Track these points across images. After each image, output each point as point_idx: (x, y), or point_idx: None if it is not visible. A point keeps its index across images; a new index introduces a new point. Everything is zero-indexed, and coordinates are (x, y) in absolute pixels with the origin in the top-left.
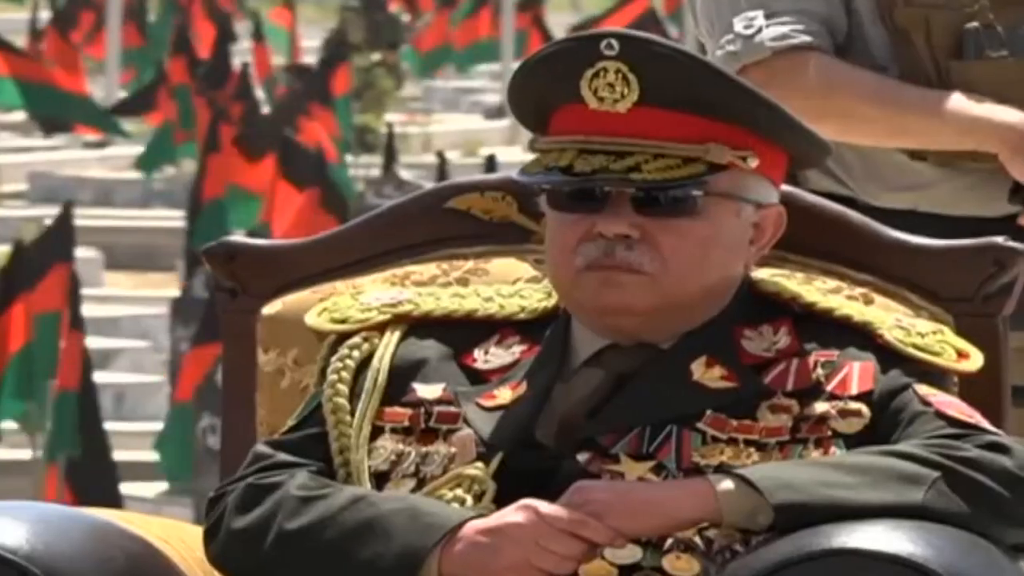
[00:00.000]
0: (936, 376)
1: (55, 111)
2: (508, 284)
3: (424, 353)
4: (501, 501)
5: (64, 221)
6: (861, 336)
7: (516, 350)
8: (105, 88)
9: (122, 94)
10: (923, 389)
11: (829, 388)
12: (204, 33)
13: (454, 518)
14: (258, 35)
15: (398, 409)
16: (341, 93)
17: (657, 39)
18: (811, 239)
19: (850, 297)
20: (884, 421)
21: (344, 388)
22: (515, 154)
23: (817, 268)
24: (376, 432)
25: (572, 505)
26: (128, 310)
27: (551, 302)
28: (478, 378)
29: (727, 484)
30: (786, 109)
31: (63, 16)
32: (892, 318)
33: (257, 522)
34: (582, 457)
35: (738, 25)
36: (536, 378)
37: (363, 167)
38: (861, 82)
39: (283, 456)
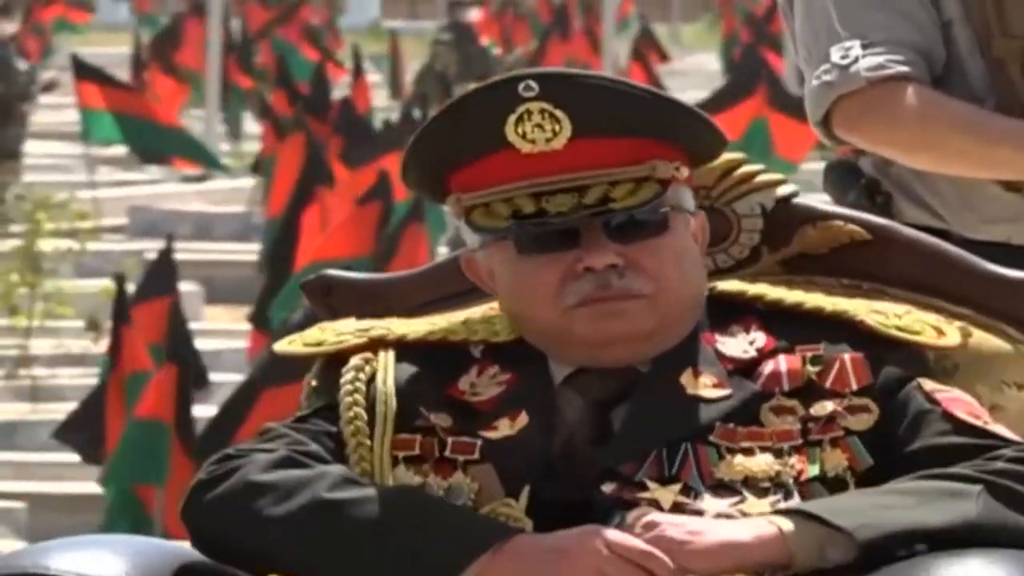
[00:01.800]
0: (920, 358)
1: (153, 145)
2: (476, 315)
3: (418, 378)
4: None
5: (165, 255)
6: (837, 326)
7: (500, 379)
8: (205, 122)
9: (220, 128)
10: (928, 384)
11: (827, 385)
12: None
13: (511, 527)
14: (358, 68)
15: (407, 436)
16: None
17: (573, 71)
18: (908, 272)
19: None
20: (892, 415)
21: (362, 412)
22: None
23: (914, 301)
24: (392, 461)
25: (642, 536)
26: (228, 344)
27: (518, 330)
28: (470, 410)
29: (790, 524)
30: (697, 109)
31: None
32: (863, 304)
33: (290, 482)
34: (607, 488)
35: (835, 55)
36: (532, 409)
37: None
38: (955, 113)
39: (314, 446)
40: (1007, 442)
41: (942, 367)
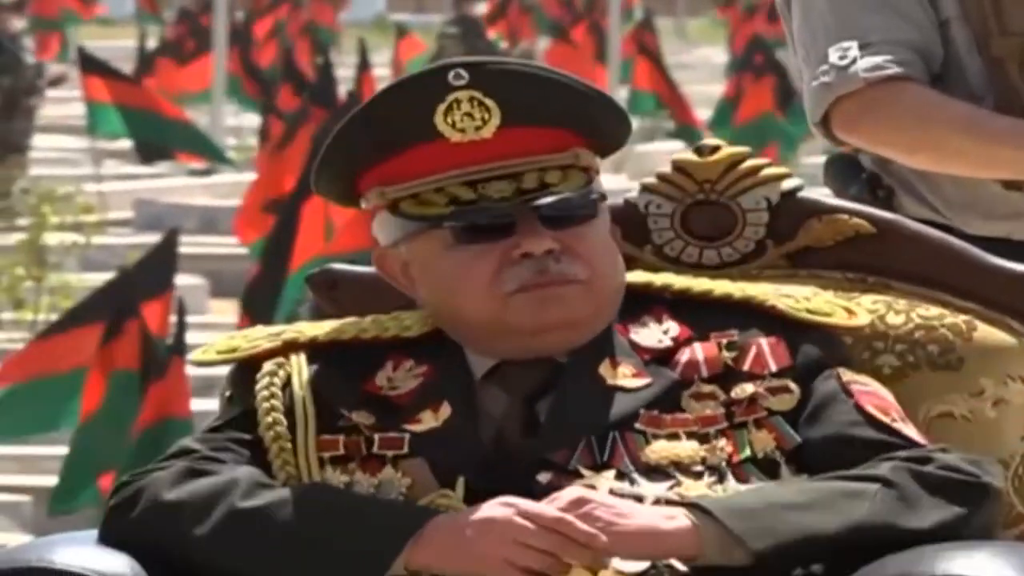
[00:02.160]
0: (835, 340)
1: (158, 138)
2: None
3: (333, 379)
4: None
5: (167, 248)
6: (748, 312)
7: (416, 372)
8: (210, 115)
9: (229, 122)
10: (847, 375)
11: (745, 368)
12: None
13: (427, 510)
14: (364, 63)
15: (330, 437)
16: None
17: (502, 59)
18: (914, 266)
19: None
20: (808, 397)
21: (281, 417)
22: (620, 182)
23: (920, 295)
24: (319, 463)
25: (569, 512)
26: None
27: (430, 324)
28: (388, 404)
29: (701, 520)
30: (614, 99)
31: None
32: (771, 288)
33: (202, 495)
34: (543, 477)
35: (833, 56)
36: (453, 400)
37: None
38: (954, 114)
39: (220, 454)
40: (909, 442)
41: (946, 361)
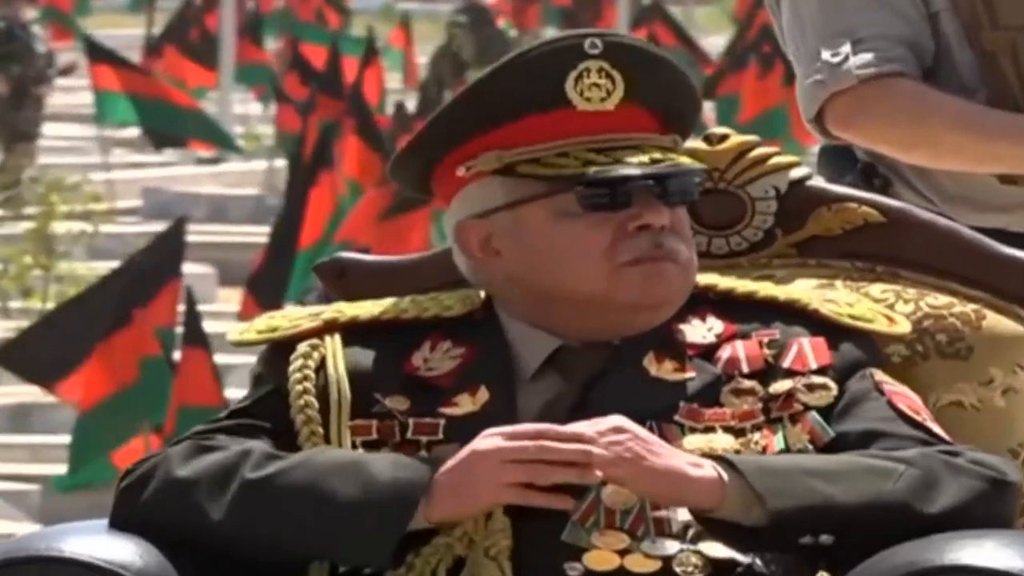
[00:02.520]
0: (872, 345)
1: (168, 126)
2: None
3: (370, 360)
4: (512, 511)
5: (175, 236)
6: (791, 314)
7: (455, 354)
8: (219, 103)
9: (237, 110)
10: (878, 375)
11: (786, 366)
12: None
13: (428, 462)
14: (371, 53)
15: (363, 422)
16: None
17: (628, 36)
18: (923, 255)
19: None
20: (844, 395)
21: (313, 400)
22: None
23: (929, 284)
24: (351, 446)
25: (604, 436)
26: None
27: (470, 304)
28: (426, 386)
29: (728, 475)
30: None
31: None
32: (815, 293)
33: (212, 472)
34: None
35: (825, 53)
36: (493, 383)
37: None
38: (948, 109)
39: (232, 437)
40: (939, 439)
41: (955, 350)
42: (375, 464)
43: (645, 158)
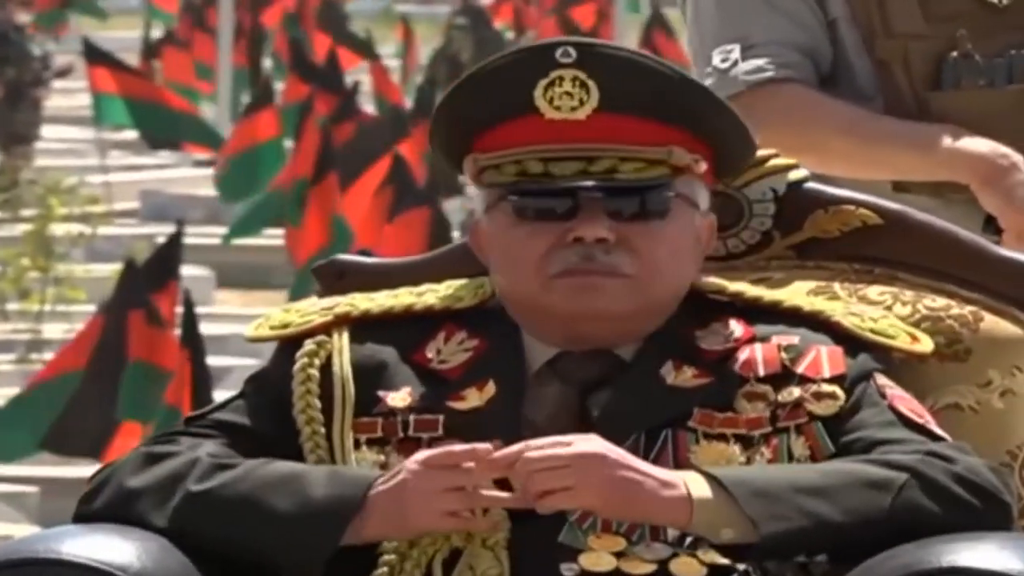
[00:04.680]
0: (887, 360)
1: (165, 129)
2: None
3: (378, 355)
4: (512, 513)
5: (175, 240)
6: (815, 324)
7: (468, 346)
8: (216, 107)
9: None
10: (881, 379)
11: (800, 371)
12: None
13: (371, 476)
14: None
15: (367, 420)
16: None
17: (611, 44)
18: (920, 257)
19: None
20: (848, 402)
21: (315, 400)
22: None
23: (927, 286)
24: (354, 444)
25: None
26: (239, 328)
27: (482, 295)
28: (437, 378)
29: (703, 493)
30: (734, 110)
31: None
32: (840, 306)
33: (158, 482)
34: None
35: (715, 58)
36: (501, 379)
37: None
38: (836, 115)
39: (185, 431)
40: (941, 440)
41: (953, 352)
42: (312, 479)
43: (597, 168)
